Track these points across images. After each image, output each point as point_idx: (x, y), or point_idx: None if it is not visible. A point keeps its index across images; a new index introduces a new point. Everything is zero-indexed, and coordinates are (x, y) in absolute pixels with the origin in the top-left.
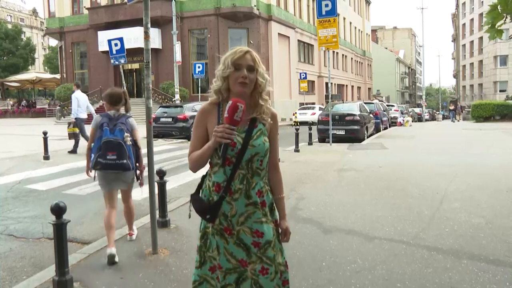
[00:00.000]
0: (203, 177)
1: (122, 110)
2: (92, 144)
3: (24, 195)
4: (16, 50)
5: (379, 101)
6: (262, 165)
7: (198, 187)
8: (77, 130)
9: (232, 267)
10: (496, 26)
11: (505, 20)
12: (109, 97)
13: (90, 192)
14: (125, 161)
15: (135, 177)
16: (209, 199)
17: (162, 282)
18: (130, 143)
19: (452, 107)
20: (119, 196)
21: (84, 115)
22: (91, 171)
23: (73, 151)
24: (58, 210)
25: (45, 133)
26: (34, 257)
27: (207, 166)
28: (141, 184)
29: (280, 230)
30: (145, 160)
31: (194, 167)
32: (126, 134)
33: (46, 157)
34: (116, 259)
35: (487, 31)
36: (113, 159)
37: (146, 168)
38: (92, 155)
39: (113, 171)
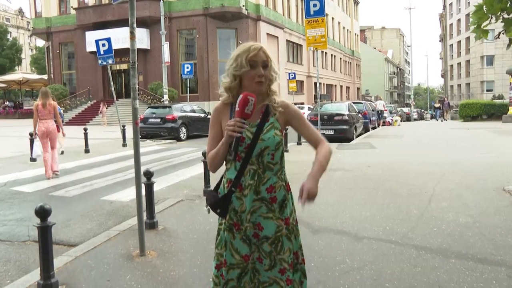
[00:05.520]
0: (222, 177)
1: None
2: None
3: (9, 197)
4: (2, 50)
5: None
6: (274, 159)
7: (216, 185)
8: None
9: (235, 262)
10: (481, 27)
11: (490, 20)
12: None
13: (77, 194)
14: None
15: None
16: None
17: (149, 284)
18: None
19: (437, 105)
20: None
21: None
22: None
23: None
24: (42, 213)
25: (31, 135)
26: (19, 260)
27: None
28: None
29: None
30: (131, 162)
31: (212, 167)
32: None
33: (33, 159)
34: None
35: (473, 31)
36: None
37: (133, 171)
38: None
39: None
